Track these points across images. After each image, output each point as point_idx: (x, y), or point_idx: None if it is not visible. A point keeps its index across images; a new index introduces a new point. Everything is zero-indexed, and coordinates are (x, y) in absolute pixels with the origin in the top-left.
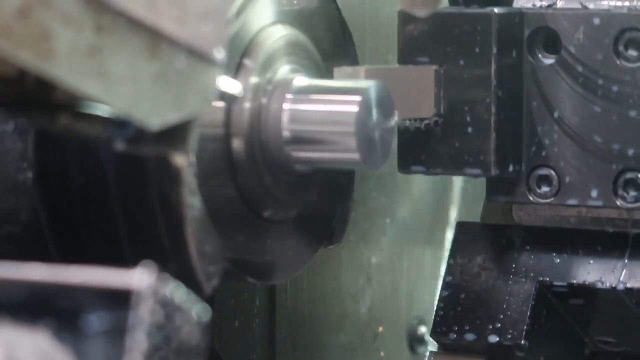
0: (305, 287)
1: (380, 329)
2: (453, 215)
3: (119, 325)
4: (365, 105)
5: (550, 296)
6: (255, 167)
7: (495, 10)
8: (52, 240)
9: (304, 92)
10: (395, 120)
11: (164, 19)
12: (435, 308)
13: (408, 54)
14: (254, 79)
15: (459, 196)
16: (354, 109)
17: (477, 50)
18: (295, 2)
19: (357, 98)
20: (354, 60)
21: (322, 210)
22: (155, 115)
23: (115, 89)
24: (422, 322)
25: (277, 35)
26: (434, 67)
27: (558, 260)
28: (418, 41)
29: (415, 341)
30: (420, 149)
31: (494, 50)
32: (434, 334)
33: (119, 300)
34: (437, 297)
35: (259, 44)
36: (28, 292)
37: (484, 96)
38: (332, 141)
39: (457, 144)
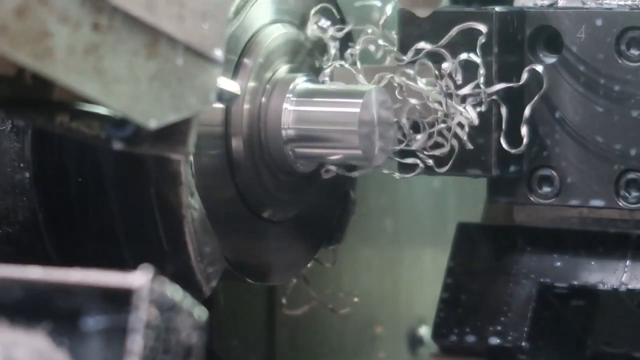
0: (305, 288)
1: (380, 329)
2: (453, 215)
3: (117, 326)
4: (366, 105)
5: (551, 298)
6: (255, 167)
7: (496, 9)
8: (49, 241)
9: (304, 92)
10: (394, 120)
11: (162, 18)
12: (435, 309)
13: (408, 52)
14: (253, 78)
15: (459, 196)
16: (356, 109)
17: (477, 50)
18: (294, 1)
19: (359, 98)
20: (354, 60)
21: (322, 210)
22: (153, 115)
23: (113, 87)
24: (422, 322)
25: (277, 34)
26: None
27: (559, 262)
28: (418, 40)
29: (415, 342)
30: (414, 152)
31: (495, 49)
32: (434, 336)
33: (117, 301)
34: (437, 298)
35: (258, 43)
36: (26, 292)
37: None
38: (335, 140)
39: (458, 145)
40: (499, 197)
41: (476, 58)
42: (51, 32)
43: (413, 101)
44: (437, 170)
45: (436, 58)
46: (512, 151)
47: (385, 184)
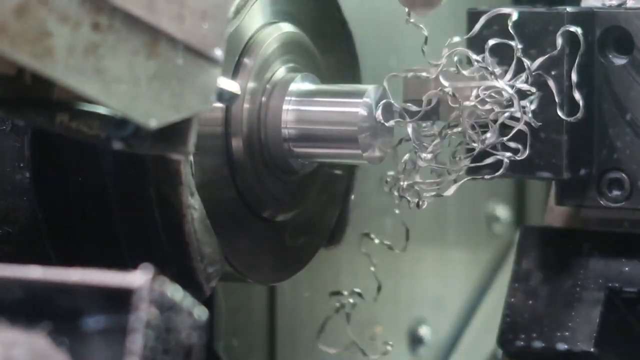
0: (305, 287)
1: (380, 329)
2: (453, 215)
3: (117, 326)
4: (366, 105)
5: (619, 303)
6: (255, 166)
7: (568, 9)
8: (49, 241)
9: (304, 91)
10: (394, 119)
11: (162, 17)
12: (501, 314)
13: (477, 54)
14: (253, 78)
15: (459, 196)
16: (356, 109)
17: (548, 50)
18: (294, 0)
19: (359, 98)
20: (354, 60)
21: (322, 210)
22: (153, 115)
23: (113, 87)
24: (422, 322)
25: (277, 34)
26: (505, 68)
27: (628, 266)
28: (487, 40)
29: (415, 342)
30: (490, 152)
31: (566, 50)
32: (500, 342)
33: (117, 301)
34: (437, 298)
35: (258, 43)
36: (26, 292)
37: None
38: (335, 139)
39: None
40: (568, 199)
41: (510, 41)
42: (51, 32)
43: (469, 104)
44: (506, 173)
45: (498, 53)
46: (570, 119)
47: (385, 184)
